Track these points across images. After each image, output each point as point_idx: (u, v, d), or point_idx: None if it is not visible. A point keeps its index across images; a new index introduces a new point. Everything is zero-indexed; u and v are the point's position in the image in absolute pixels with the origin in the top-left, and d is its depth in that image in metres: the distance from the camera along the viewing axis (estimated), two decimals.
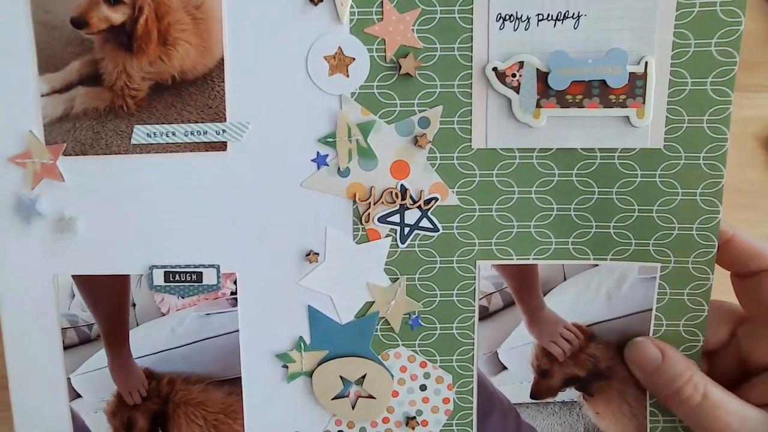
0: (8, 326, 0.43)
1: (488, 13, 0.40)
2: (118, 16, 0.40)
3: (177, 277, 0.42)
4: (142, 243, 0.42)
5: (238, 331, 0.43)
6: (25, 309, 0.43)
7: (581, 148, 0.41)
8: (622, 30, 0.39)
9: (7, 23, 0.40)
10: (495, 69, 0.40)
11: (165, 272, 0.42)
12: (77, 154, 0.41)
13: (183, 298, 0.42)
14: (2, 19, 0.40)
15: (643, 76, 0.39)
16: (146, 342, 0.43)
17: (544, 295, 0.43)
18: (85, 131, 0.41)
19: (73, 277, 0.42)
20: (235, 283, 0.42)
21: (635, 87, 0.39)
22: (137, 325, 0.43)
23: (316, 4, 0.40)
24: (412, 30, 0.40)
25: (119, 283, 0.42)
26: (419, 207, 0.42)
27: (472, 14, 0.40)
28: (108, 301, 0.42)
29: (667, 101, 0.39)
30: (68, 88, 0.41)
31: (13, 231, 0.42)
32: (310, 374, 0.43)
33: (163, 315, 0.43)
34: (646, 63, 0.39)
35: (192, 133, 0.41)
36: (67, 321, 0.42)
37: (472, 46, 0.40)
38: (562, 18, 0.39)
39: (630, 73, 0.39)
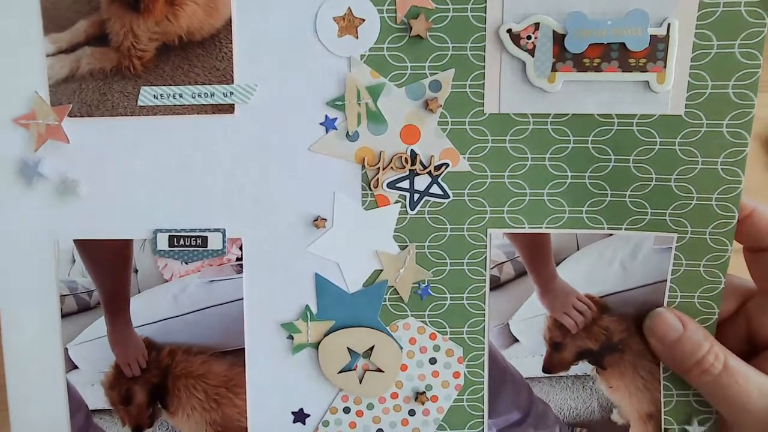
0: (6, 292, 0.41)
1: None
2: None
3: (181, 242, 0.40)
4: (147, 207, 0.40)
5: (242, 299, 0.40)
6: (23, 275, 0.41)
7: (598, 114, 0.39)
8: None
9: None
10: (509, 31, 0.38)
11: (169, 236, 0.40)
12: (83, 116, 0.40)
13: (187, 263, 0.41)
14: None
15: (665, 39, 0.37)
16: (147, 310, 0.41)
17: (557, 264, 0.41)
18: (91, 92, 0.39)
19: (75, 241, 0.40)
20: (240, 248, 0.40)
21: (656, 50, 0.37)
22: (139, 292, 0.41)
23: None
24: None
25: (122, 248, 0.40)
26: (429, 173, 0.40)
27: None
28: (110, 266, 0.41)
29: (690, 65, 0.37)
30: (74, 49, 0.39)
31: (15, 193, 0.41)
32: (316, 346, 0.41)
33: (166, 281, 0.41)
34: (669, 25, 0.37)
35: (199, 95, 0.39)
36: (67, 288, 0.41)
37: (485, 6, 0.38)
38: None
39: (651, 35, 0.37)
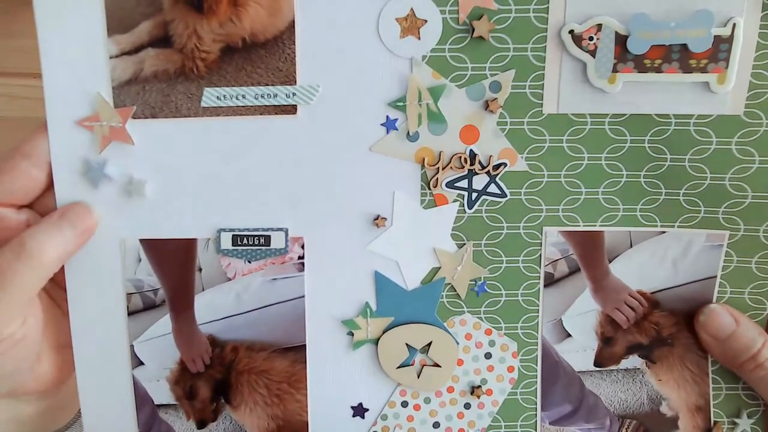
0: (74, 291, 0.41)
1: None
2: None
3: (245, 241, 0.40)
4: (210, 206, 0.40)
5: (304, 296, 0.40)
6: (90, 274, 0.41)
7: (655, 114, 0.38)
8: None
9: None
10: (571, 32, 0.38)
11: (233, 236, 0.40)
12: (146, 117, 0.39)
13: (250, 262, 0.41)
14: None
15: (729, 39, 0.37)
16: (211, 308, 0.41)
17: (610, 261, 0.41)
18: (154, 94, 0.39)
19: (141, 241, 0.40)
20: (302, 247, 0.40)
21: (718, 51, 0.37)
22: (203, 290, 0.41)
23: None
24: None
25: (186, 247, 0.40)
26: (488, 172, 0.40)
27: None
28: (175, 265, 0.41)
29: (752, 65, 0.37)
30: (137, 50, 0.39)
31: (81, 194, 0.41)
32: (376, 342, 0.41)
33: (230, 280, 0.41)
34: (734, 25, 0.36)
35: (262, 96, 0.39)
36: (133, 286, 0.41)
37: (548, 7, 0.38)
38: None
39: (714, 36, 0.36)
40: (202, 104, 0.40)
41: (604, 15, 0.38)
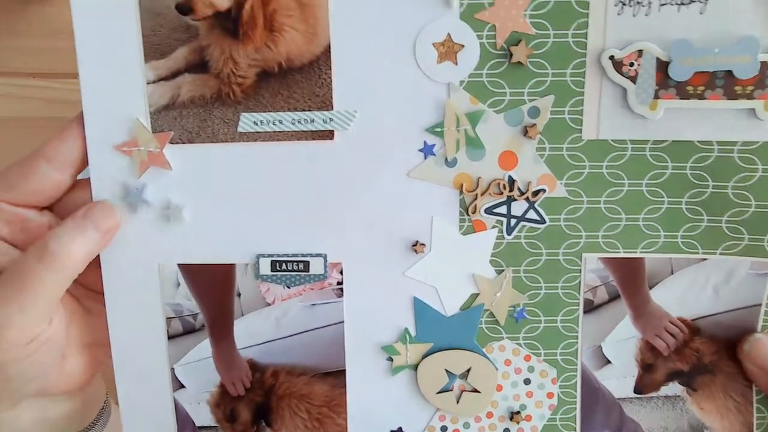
0: (113, 316, 0.41)
1: None
2: (223, 1, 0.38)
3: (284, 266, 0.40)
4: (249, 232, 0.40)
5: (343, 322, 0.40)
6: (130, 299, 0.41)
7: (698, 141, 0.38)
8: (755, 14, 0.35)
9: (113, 9, 0.38)
10: (612, 57, 0.37)
11: (272, 261, 0.40)
12: (184, 142, 0.39)
13: (289, 287, 0.40)
14: (108, 5, 0.37)
15: None
16: (251, 333, 0.41)
17: (650, 288, 0.40)
18: (191, 119, 0.39)
19: (179, 266, 0.40)
20: (341, 272, 0.40)
21: (765, 77, 0.36)
22: (242, 315, 0.41)
23: None
24: (525, 15, 0.37)
25: (225, 273, 0.40)
26: (527, 199, 0.39)
27: None
28: (214, 290, 0.40)
29: None
30: (174, 76, 0.39)
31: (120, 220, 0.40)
32: (415, 367, 0.41)
33: (269, 305, 0.40)
34: None
35: (299, 122, 0.39)
36: (172, 311, 0.41)
37: (587, 32, 0.37)
38: (687, 2, 0.36)
39: (761, 62, 0.35)
40: (239, 129, 0.40)
41: (645, 41, 0.37)
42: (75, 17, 0.38)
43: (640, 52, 0.37)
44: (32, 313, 0.36)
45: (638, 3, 0.37)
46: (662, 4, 0.37)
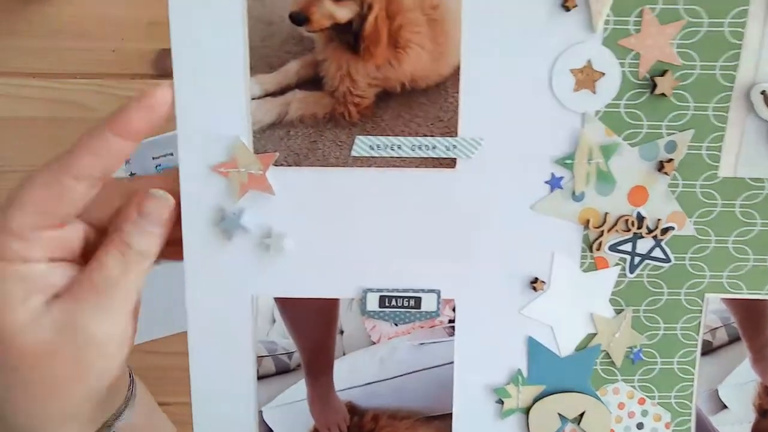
0: (197, 350, 0.37)
1: (764, 26, 0.34)
2: (343, 12, 0.33)
3: (393, 303, 0.36)
4: (356, 264, 0.37)
5: (452, 363, 0.37)
6: (218, 333, 0.37)
7: None
8: None
9: (219, 15, 0.33)
10: (763, 92, 0.34)
11: (380, 296, 0.36)
12: (289, 165, 0.35)
13: (397, 325, 0.37)
14: (214, 10, 0.33)
15: None
16: (352, 373, 0.38)
17: None
18: (300, 140, 0.35)
19: (276, 299, 0.36)
20: (453, 310, 0.36)
21: None
22: (344, 355, 0.37)
23: (568, 10, 0.34)
24: (672, 44, 0.34)
25: (328, 308, 0.37)
26: (654, 237, 0.37)
27: (744, 28, 0.34)
28: (314, 327, 0.37)
29: None
30: (283, 92, 0.34)
31: (212, 246, 0.36)
32: (526, 410, 0.38)
33: (374, 343, 0.37)
34: None
35: (419, 147, 0.35)
36: (265, 349, 0.37)
37: (737, 64, 0.34)
38: None
39: None
40: (353, 153, 0.36)
41: None
42: (172, 21, 0.34)
43: None
44: (126, 318, 0.34)
45: None
46: None
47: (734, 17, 0.35)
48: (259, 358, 0.38)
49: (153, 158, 0.55)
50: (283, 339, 0.38)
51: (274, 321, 0.37)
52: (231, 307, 0.37)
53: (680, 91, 0.36)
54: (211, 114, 0.35)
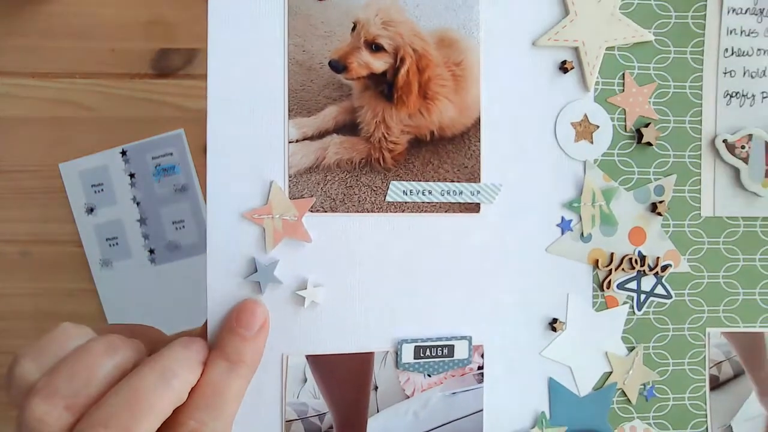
0: None
1: (716, 90, 0.39)
2: (379, 63, 0.35)
3: (428, 352, 0.35)
4: (390, 314, 0.35)
5: (481, 411, 0.35)
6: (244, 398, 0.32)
7: None
8: None
9: (261, 59, 0.33)
10: (725, 141, 0.39)
11: (415, 347, 0.34)
12: (325, 211, 0.34)
13: (430, 376, 0.35)
14: (256, 54, 0.33)
15: None
16: (386, 431, 0.34)
17: None
18: (336, 185, 0.34)
19: (308, 357, 0.33)
20: (482, 356, 0.35)
21: None
22: (377, 412, 0.34)
23: (566, 72, 0.37)
24: (649, 102, 0.39)
25: (362, 363, 0.34)
26: (655, 274, 0.39)
27: (701, 90, 0.39)
28: (349, 385, 0.34)
29: None
30: (321, 136, 0.34)
31: (241, 299, 0.32)
32: None
33: (407, 397, 0.34)
34: None
35: (448, 193, 0.36)
36: (294, 411, 0.33)
37: (701, 119, 0.39)
38: None
39: None
40: (388, 198, 0.35)
41: (753, 127, 0.40)
42: (210, 60, 0.33)
43: (749, 136, 0.40)
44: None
45: (744, 96, 0.40)
46: (764, 97, 0.40)
47: (692, 81, 0.40)
48: (288, 422, 0.33)
49: (153, 158, 0.51)
50: (314, 399, 0.34)
51: (305, 380, 0.34)
52: (260, 369, 0.34)
53: (661, 142, 0.40)
54: (246, 156, 0.33)
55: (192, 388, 0.30)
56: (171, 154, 0.53)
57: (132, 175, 0.53)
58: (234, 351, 0.31)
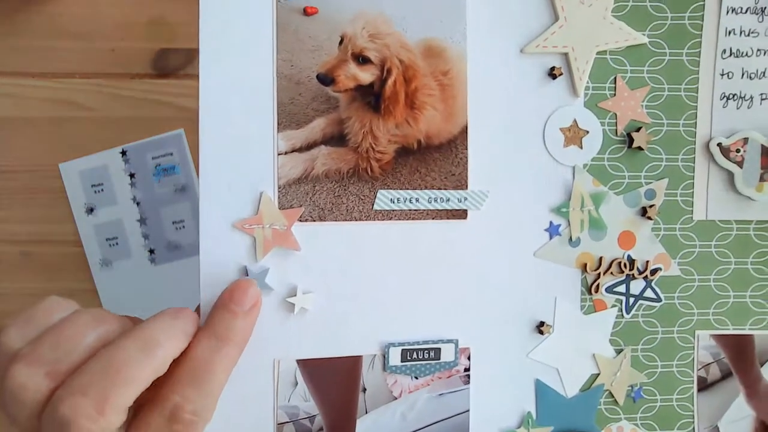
0: (215, 420, 0.34)
1: (712, 92, 0.39)
2: (366, 75, 0.35)
3: (414, 356, 0.36)
4: (378, 318, 0.37)
5: (468, 411, 0.36)
6: (237, 402, 0.35)
7: None
8: None
9: (250, 74, 0.34)
10: (719, 144, 0.39)
11: (402, 350, 0.35)
12: (314, 220, 0.35)
13: (417, 378, 0.36)
14: (246, 69, 0.34)
15: None
16: (374, 431, 0.35)
17: (762, 365, 0.40)
18: (324, 194, 0.35)
19: (299, 361, 0.34)
20: (468, 358, 0.36)
21: None
22: (366, 413, 0.35)
23: (555, 78, 0.37)
24: (642, 106, 0.38)
25: (352, 366, 0.35)
26: (645, 277, 0.39)
27: (697, 93, 0.39)
28: (338, 388, 0.35)
29: None
30: (310, 147, 0.35)
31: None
32: None
33: (395, 399, 0.35)
34: None
35: (435, 200, 0.36)
36: (286, 414, 0.35)
37: (696, 122, 0.39)
38: None
39: None
40: (375, 207, 0.36)
41: (750, 130, 0.40)
42: (202, 76, 0.34)
43: (745, 140, 0.40)
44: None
45: (741, 98, 0.40)
46: (763, 99, 0.40)
47: (688, 83, 0.39)
48: (280, 425, 0.35)
49: (153, 158, 0.53)
50: (305, 402, 0.35)
51: (296, 384, 0.35)
52: (252, 373, 0.35)
53: (653, 145, 0.40)
54: (237, 169, 0.35)
55: (178, 363, 0.31)
56: (171, 154, 0.54)
57: (132, 175, 0.54)
58: (224, 326, 0.32)
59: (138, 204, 0.54)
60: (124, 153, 0.54)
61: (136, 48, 0.54)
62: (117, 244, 0.54)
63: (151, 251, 0.54)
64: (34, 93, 0.54)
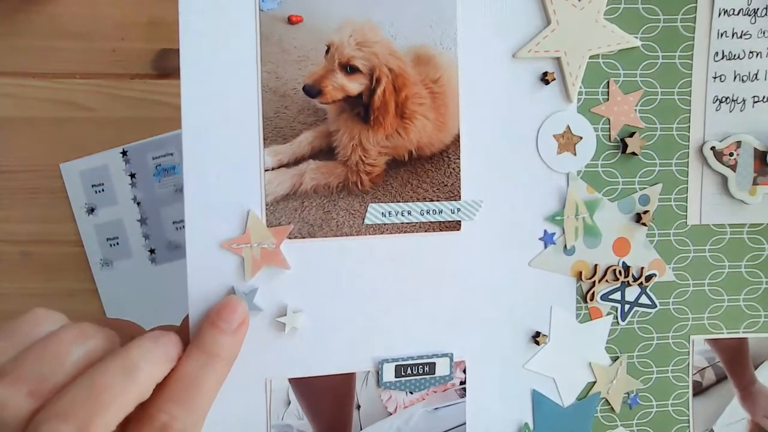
0: None
1: (705, 95, 0.38)
2: (354, 85, 0.34)
3: (408, 371, 0.35)
4: (371, 335, 0.36)
5: (464, 424, 0.36)
6: (229, 423, 0.33)
7: None
8: None
9: (234, 88, 0.33)
10: (713, 148, 0.38)
11: (396, 366, 0.35)
12: (303, 237, 0.34)
13: (412, 393, 0.35)
14: (229, 82, 0.32)
15: None
16: None
17: (755, 368, 0.40)
18: (314, 210, 0.34)
19: (291, 380, 0.33)
20: (464, 371, 0.36)
21: None
22: (361, 430, 0.34)
23: (547, 83, 0.36)
24: (635, 110, 0.38)
25: (344, 383, 0.35)
26: (640, 284, 0.38)
27: (690, 96, 0.38)
28: (332, 405, 0.35)
29: None
30: (297, 162, 0.34)
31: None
32: None
33: (390, 414, 0.35)
34: None
35: (428, 212, 0.35)
36: None
37: (689, 126, 0.38)
38: None
39: None
40: (366, 221, 0.35)
41: (742, 133, 0.39)
42: (184, 91, 0.32)
43: (738, 143, 0.39)
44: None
45: (734, 101, 0.39)
46: (755, 102, 0.39)
47: (681, 87, 0.39)
48: None
49: (153, 158, 0.52)
50: (299, 420, 0.35)
51: (289, 403, 0.34)
52: (244, 394, 0.34)
53: (647, 150, 0.39)
54: (222, 187, 0.33)
55: (166, 380, 0.30)
56: (171, 154, 0.53)
57: (132, 175, 0.54)
58: (212, 343, 0.31)
59: (138, 204, 0.54)
60: (124, 153, 0.53)
61: (136, 48, 0.53)
62: (117, 244, 0.54)
63: (152, 251, 0.54)
64: (35, 93, 0.54)
